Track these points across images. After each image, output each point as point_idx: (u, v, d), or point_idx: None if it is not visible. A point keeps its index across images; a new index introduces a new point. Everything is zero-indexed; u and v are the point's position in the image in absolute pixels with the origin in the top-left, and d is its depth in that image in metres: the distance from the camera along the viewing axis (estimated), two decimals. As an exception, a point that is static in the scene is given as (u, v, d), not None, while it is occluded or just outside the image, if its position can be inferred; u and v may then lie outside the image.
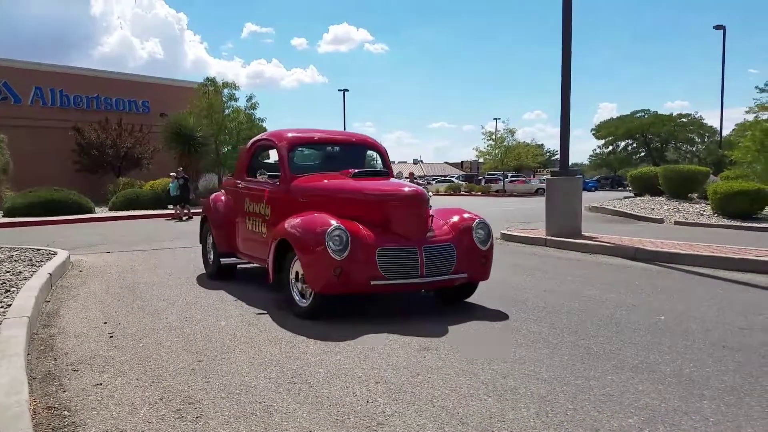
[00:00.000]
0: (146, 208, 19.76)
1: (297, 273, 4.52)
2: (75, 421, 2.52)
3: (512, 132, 40.56)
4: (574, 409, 2.60)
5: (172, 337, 3.88)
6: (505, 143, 39.99)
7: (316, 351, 3.53)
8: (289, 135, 5.70)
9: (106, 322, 4.32)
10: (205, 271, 6.62)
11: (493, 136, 40.83)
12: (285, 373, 3.13)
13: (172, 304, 4.97)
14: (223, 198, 6.46)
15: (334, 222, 4.31)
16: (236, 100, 26.49)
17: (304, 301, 4.46)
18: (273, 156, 6.36)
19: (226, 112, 25.97)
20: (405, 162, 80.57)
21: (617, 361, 3.31)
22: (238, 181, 6.16)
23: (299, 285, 4.50)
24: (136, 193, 20.89)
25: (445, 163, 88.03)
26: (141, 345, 3.71)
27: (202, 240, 6.78)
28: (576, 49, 9.49)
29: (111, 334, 3.97)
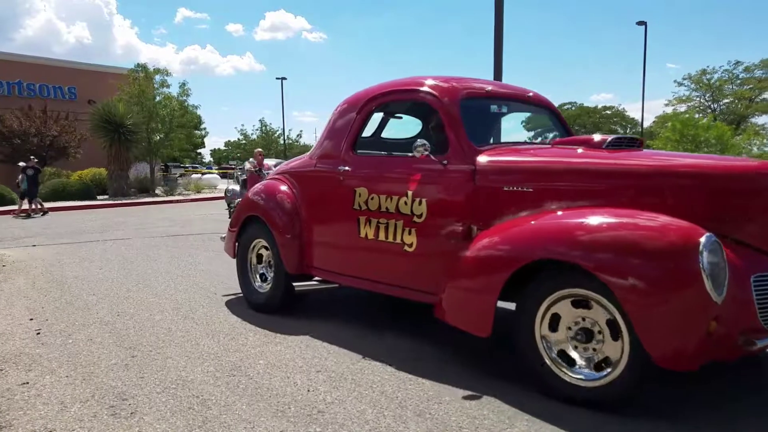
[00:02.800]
0: (75, 199, 18.85)
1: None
2: (0, 423, 2.41)
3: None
4: (518, 393, 2.70)
5: (104, 333, 3.74)
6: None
7: (256, 343, 3.50)
8: (453, 84, 3.48)
9: (32, 319, 4.12)
10: (247, 300, 4.39)
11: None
12: (223, 366, 3.10)
13: (103, 298, 4.78)
14: (291, 190, 4.16)
15: (699, 229, 2.32)
16: (168, 87, 25.58)
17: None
18: (394, 124, 4.35)
19: (158, 99, 25.03)
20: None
21: None
22: (337, 163, 3.80)
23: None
24: (63, 184, 19.86)
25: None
26: (70, 341, 3.56)
27: (240, 255, 4.47)
28: (508, 43, 9.70)
29: (38, 331, 3.79)
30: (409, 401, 2.60)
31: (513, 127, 4.27)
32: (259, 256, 4.38)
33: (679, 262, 2.24)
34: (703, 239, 2.24)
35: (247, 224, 4.41)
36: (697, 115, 30.51)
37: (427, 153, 3.19)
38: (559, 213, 2.74)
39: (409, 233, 3.32)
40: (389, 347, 3.37)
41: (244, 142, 48.56)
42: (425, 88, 3.49)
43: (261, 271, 4.39)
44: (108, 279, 5.62)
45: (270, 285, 4.23)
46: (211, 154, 71.68)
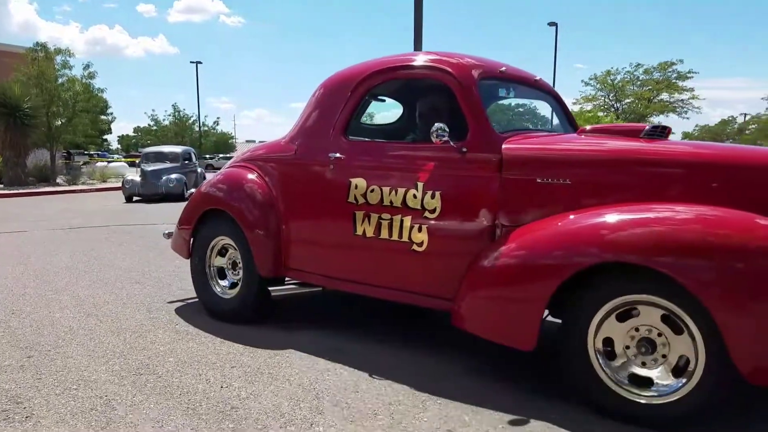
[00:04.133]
0: (-39, 189, 17.24)
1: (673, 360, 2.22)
2: None
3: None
4: (429, 375, 2.77)
5: (-4, 333, 3.46)
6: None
7: (166, 340, 3.36)
8: (469, 61, 3.09)
9: None
10: (208, 309, 3.84)
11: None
12: (130, 364, 2.95)
13: (-5, 296, 4.41)
14: (262, 180, 3.60)
15: None
16: (71, 68, 23.90)
17: None
18: (387, 107, 3.90)
19: (60, 81, 23.35)
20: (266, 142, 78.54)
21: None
22: (325, 149, 3.30)
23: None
24: (-53, 172, 18.13)
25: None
26: (-45, 344, 3.26)
27: (197, 256, 3.89)
28: (425, 34, 9.84)
29: None
30: (327, 392, 2.59)
31: (514, 112, 3.93)
32: (222, 257, 3.83)
33: None
34: None
35: (206, 220, 3.84)
36: (601, 114, 32.44)
37: (446, 138, 2.78)
38: (617, 209, 2.37)
39: (419, 230, 2.91)
40: (310, 340, 3.34)
41: (155, 128, 46.34)
42: (438, 65, 3.02)
43: (225, 275, 3.83)
44: (2, 275, 5.20)
45: (238, 290, 3.67)
46: (119, 140, 67.84)
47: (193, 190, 4.32)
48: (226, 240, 3.75)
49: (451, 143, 2.81)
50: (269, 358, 3.03)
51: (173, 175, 14.16)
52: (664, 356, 2.23)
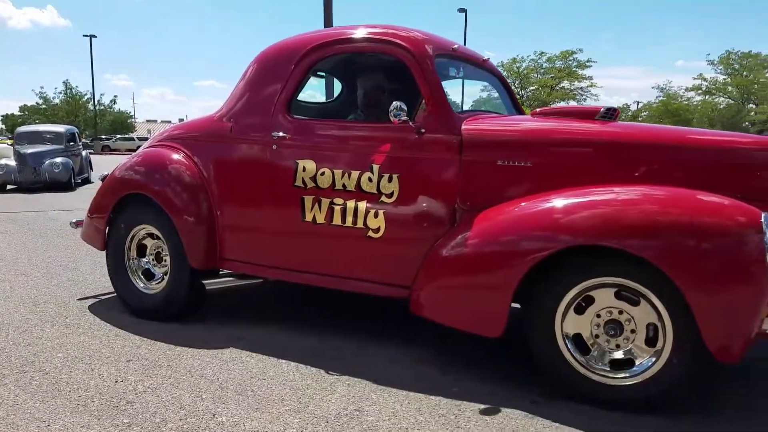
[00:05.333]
0: None
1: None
2: None
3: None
4: (338, 358, 2.76)
5: None
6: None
7: (54, 335, 3.11)
8: (423, 36, 2.92)
9: None
10: (129, 306, 3.46)
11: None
12: (12, 362, 2.71)
13: None
14: (190, 161, 3.27)
15: (750, 207, 2.15)
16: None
17: None
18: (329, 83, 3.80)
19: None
20: (170, 122, 75.03)
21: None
22: (266, 127, 3.04)
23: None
24: None
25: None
26: None
27: (114, 247, 3.50)
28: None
29: None
30: (231, 381, 2.52)
31: (454, 94, 3.74)
32: (142, 248, 3.46)
33: (747, 242, 2.04)
34: (762, 217, 2.06)
35: (124, 207, 3.44)
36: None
37: (405, 118, 2.64)
38: (583, 191, 2.36)
39: (376, 216, 2.74)
40: (215, 329, 3.22)
41: (44, 106, 42.84)
42: (393, 39, 2.84)
43: (146, 268, 3.46)
44: None
45: (165, 285, 3.34)
46: (2, 120, 62.18)
47: (106, 173, 3.75)
48: (148, 228, 3.39)
49: (411, 123, 2.69)
50: (169, 350, 2.90)
51: (58, 159, 11.80)
52: (632, 331, 2.24)
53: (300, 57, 3.04)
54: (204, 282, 3.43)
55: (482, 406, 2.29)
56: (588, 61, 33.23)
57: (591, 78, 34.23)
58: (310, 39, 3.10)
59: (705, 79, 37.11)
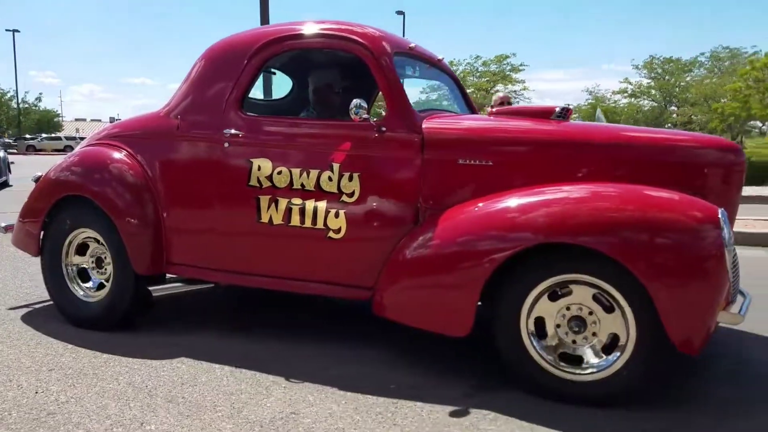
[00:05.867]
0: None
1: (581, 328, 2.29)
2: None
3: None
4: (275, 360, 2.71)
5: None
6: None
7: (-32, 344, 2.91)
8: (378, 33, 2.90)
9: None
10: (67, 315, 3.24)
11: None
12: None
13: None
14: (133, 160, 3.10)
15: (707, 203, 2.27)
16: None
17: None
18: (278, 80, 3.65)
19: None
20: (100, 121, 71.86)
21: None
22: (217, 125, 2.92)
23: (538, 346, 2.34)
24: None
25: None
26: None
27: (49, 253, 3.26)
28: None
29: None
30: (161, 388, 2.43)
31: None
32: (82, 253, 3.24)
33: (706, 237, 2.12)
34: (719, 213, 2.16)
35: (60, 210, 3.22)
36: (445, 102, 34.11)
37: (366, 116, 2.60)
38: (541, 190, 2.40)
39: (336, 216, 2.69)
40: (143, 335, 3.10)
41: (-40, 105, 40.10)
42: (351, 36, 2.79)
43: (86, 274, 3.25)
44: None
45: (107, 292, 3.13)
46: None
47: (39, 174, 3.48)
48: (88, 233, 3.18)
49: (371, 121, 2.65)
50: (95, 357, 2.77)
51: None
52: (594, 334, 2.27)
53: (252, 53, 2.93)
54: (150, 288, 3.24)
55: (419, 402, 2.31)
56: (521, 65, 34.14)
57: (524, 81, 35.22)
58: (263, 34, 3.01)
59: (630, 83, 38.96)
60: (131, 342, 2.97)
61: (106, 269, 3.17)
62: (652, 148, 2.56)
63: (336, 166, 2.70)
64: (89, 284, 3.24)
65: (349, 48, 2.80)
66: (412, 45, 3.12)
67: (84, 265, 3.25)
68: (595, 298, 2.26)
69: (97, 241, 3.18)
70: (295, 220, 2.76)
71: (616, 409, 2.25)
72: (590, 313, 2.27)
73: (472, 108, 3.68)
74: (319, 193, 2.72)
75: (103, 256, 3.18)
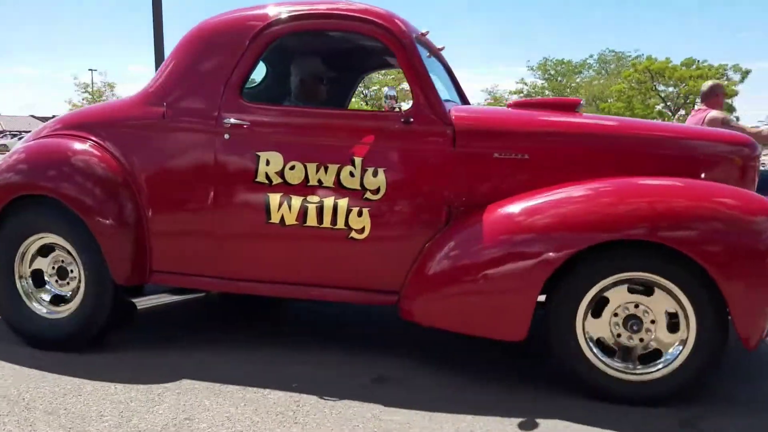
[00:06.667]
0: None
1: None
2: None
3: (111, 86, 37.48)
4: (167, 367, 2.58)
5: None
6: (104, 98, 36.65)
7: None
8: (395, 15, 2.65)
9: None
10: (22, 334, 2.80)
11: (90, 89, 36.93)
12: None
13: None
14: (105, 153, 2.70)
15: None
16: None
17: None
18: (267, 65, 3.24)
19: None
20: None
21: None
22: (214, 113, 2.60)
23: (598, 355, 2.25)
24: None
25: (32, 116, 74.84)
26: None
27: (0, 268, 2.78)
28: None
29: None
30: (40, 400, 2.24)
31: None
32: (37, 261, 2.78)
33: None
34: None
35: (11, 212, 2.73)
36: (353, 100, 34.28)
37: (399, 107, 2.45)
38: (600, 184, 2.31)
39: (359, 215, 2.46)
40: (20, 347, 2.83)
41: None
42: (372, 18, 2.54)
43: (48, 288, 2.79)
44: None
45: (77, 307, 2.70)
46: None
47: None
48: (49, 239, 2.73)
49: (401, 111, 2.48)
50: (-38, 371, 2.50)
51: None
52: (653, 321, 2.22)
53: (257, 32, 2.60)
54: (137, 301, 2.90)
55: (321, 398, 2.29)
56: (425, 62, 34.97)
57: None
58: (269, 12, 2.67)
59: (526, 83, 41.07)
60: (5, 355, 2.70)
61: (69, 281, 2.75)
62: (680, 141, 2.56)
63: (358, 161, 2.47)
64: (45, 295, 2.79)
65: (370, 31, 2.57)
66: (424, 31, 2.90)
67: (46, 278, 2.79)
68: (630, 290, 2.22)
69: (55, 249, 2.75)
70: (312, 220, 2.49)
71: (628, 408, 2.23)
72: (636, 306, 2.23)
73: (466, 102, 3.52)
74: (339, 190, 2.48)
75: (68, 266, 2.74)
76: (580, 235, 2.18)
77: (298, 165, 2.50)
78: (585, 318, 2.24)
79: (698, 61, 31.20)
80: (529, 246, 2.25)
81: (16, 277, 2.77)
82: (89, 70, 46.13)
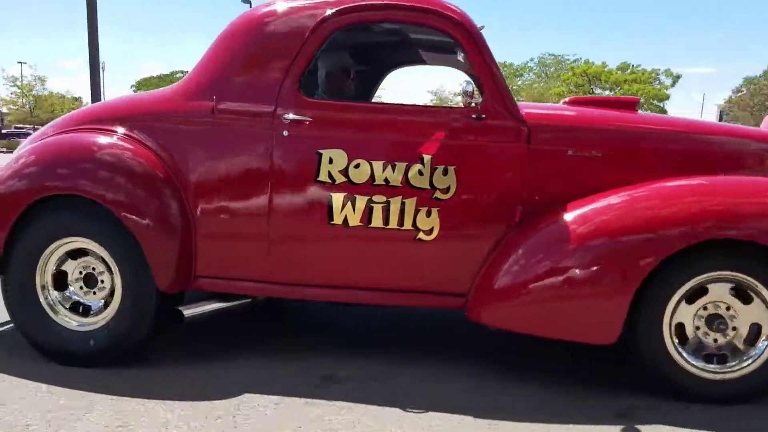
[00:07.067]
0: None
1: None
2: None
3: (42, 80, 35.75)
4: (104, 373, 2.45)
5: None
6: (34, 92, 34.95)
7: None
8: (461, 9, 2.53)
9: None
10: (42, 349, 2.54)
11: (19, 83, 35.10)
12: None
13: None
14: (149, 150, 2.50)
15: None
16: None
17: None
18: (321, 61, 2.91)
19: None
20: None
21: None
22: (272, 108, 2.45)
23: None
24: None
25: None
26: None
27: (17, 272, 2.49)
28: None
29: None
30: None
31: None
32: (61, 272, 2.51)
33: None
34: None
35: (34, 215, 2.44)
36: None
37: (477, 103, 2.38)
38: (685, 183, 2.35)
39: (428, 215, 2.38)
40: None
41: None
42: (443, 10, 2.44)
43: (74, 298, 2.53)
44: None
45: (112, 317, 2.46)
46: None
47: None
48: (77, 243, 2.47)
49: (477, 106, 2.39)
50: None
51: None
52: (734, 329, 2.24)
53: (318, 22, 2.44)
54: (183, 309, 2.60)
55: (262, 401, 2.23)
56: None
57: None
58: (332, 1, 2.50)
59: (461, 84, 41.76)
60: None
61: (96, 291, 2.51)
62: (729, 141, 2.61)
63: (427, 159, 2.38)
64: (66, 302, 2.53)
65: (441, 25, 2.46)
66: (482, 26, 2.78)
67: (69, 283, 2.53)
68: (732, 291, 2.25)
69: (81, 255, 2.50)
70: (377, 221, 2.40)
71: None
72: (728, 308, 2.25)
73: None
74: (407, 189, 2.38)
75: (93, 272, 2.50)
76: (691, 230, 2.16)
77: (364, 163, 2.40)
78: (673, 313, 2.25)
79: (632, 65, 32.64)
80: (627, 247, 2.23)
81: (38, 288, 2.49)
82: (18, 63, 43.78)
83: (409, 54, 3.34)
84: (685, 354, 2.25)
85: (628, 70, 30.83)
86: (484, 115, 2.41)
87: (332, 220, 2.41)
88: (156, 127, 2.55)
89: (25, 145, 2.78)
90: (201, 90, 2.54)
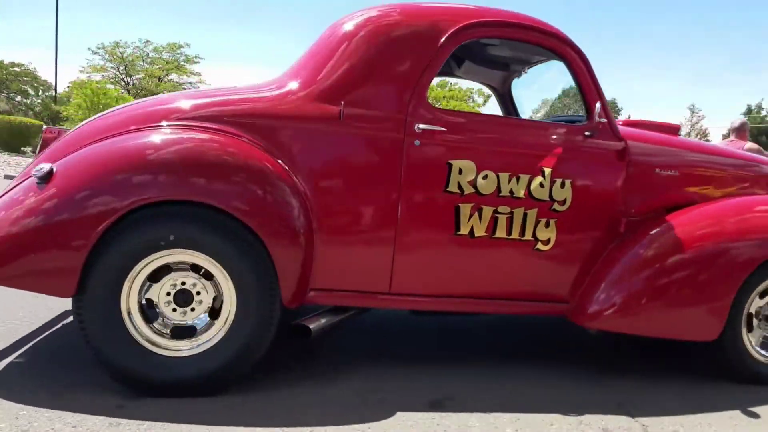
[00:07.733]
0: None
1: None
2: None
3: None
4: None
5: None
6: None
7: None
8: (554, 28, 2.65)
9: None
10: (130, 378, 2.08)
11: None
12: None
13: None
14: (270, 156, 2.21)
15: None
16: None
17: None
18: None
19: None
20: None
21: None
22: (402, 117, 2.32)
23: None
24: None
25: None
26: None
27: (96, 292, 1.99)
28: None
29: None
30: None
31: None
32: (150, 288, 2.15)
33: None
34: None
35: (124, 225, 2.07)
36: (110, 86, 30.87)
37: (605, 121, 2.58)
38: (750, 198, 2.83)
39: (546, 226, 2.47)
40: None
41: None
42: (559, 34, 2.58)
43: (175, 320, 2.17)
44: None
45: (222, 338, 2.17)
46: None
47: (49, 167, 2.14)
48: (176, 257, 2.14)
49: (586, 125, 2.59)
50: None
51: None
52: None
53: (452, 33, 2.44)
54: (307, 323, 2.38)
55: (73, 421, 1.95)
56: (196, 56, 33.12)
57: (200, 74, 34.30)
58: (467, 13, 2.53)
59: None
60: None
61: (194, 308, 2.19)
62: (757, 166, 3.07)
63: (548, 171, 2.48)
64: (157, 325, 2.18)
65: (558, 48, 2.60)
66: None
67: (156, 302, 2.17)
68: None
69: (168, 271, 2.17)
70: (501, 231, 2.45)
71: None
72: None
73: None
74: (529, 201, 2.46)
75: (189, 289, 2.18)
76: None
77: (491, 174, 2.44)
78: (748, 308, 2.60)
79: (450, 83, 35.46)
80: (731, 252, 2.54)
81: (124, 309, 2.11)
82: None
83: (484, 69, 3.48)
84: (753, 342, 2.63)
85: (447, 87, 33.55)
86: (589, 133, 2.59)
87: (459, 231, 2.44)
88: (277, 129, 2.36)
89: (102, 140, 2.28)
90: (328, 93, 2.42)
